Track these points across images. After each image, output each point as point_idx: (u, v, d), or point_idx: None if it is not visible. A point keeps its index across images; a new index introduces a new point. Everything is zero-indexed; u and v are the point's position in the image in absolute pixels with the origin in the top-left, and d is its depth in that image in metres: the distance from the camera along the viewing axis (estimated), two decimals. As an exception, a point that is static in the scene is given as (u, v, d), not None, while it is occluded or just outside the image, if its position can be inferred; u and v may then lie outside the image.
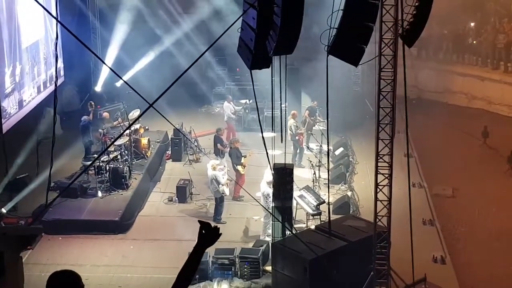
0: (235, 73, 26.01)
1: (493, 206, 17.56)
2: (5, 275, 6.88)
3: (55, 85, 10.44)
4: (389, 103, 12.03)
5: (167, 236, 15.91)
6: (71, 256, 14.91)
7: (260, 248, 14.29)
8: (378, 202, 12.41)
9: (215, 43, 8.66)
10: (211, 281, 13.72)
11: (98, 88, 24.34)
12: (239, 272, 13.97)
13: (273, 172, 13.54)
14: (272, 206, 13.89)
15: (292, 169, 13.97)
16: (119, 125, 20.40)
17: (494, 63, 26.02)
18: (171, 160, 20.84)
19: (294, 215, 15.24)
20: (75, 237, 15.79)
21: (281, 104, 13.26)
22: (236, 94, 25.24)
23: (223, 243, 13.74)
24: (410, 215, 12.46)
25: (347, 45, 10.16)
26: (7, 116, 17.90)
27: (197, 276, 13.28)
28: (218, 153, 18.76)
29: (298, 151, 19.95)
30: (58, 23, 9.67)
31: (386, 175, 12.30)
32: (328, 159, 14.61)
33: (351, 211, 16.41)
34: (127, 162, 18.32)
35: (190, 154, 20.65)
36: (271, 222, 14.27)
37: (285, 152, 13.76)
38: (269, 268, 13.71)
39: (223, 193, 16.54)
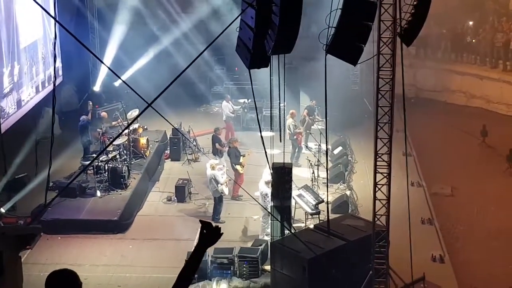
0: (234, 73, 25.98)
1: (492, 205, 17.55)
2: (4, 274, 6.89)
3: (54, 85, 10.38)
4: (387, 102, 12.03)
5: (166, 236, 15.91)
6: (70, 255, 14.90)
7: (259, 247, 14.28)
8: (377, 201, 12.39)
9: (214, 43, 8.64)
10: (210, 280, 13.71)
11: (96, 87, 24.34)
12: (238, 272, 13.95)
13: (271, 171, 13.53)
14: (271, 206, 13.89)
15: (291, 169, 13.95)
16: (118, 125, 20.40)
17: (492, 62, 26.03)
18: (170, 159, 20.83)
19: (293, 215, 15.24)
20: (74, 236, 15.78)
21: (279, 103, 13.29)
22: (235, 93, 25.23)
23: (222, 242, 13.58)
24: (409, 214, 12.46)
25: (346, 44, 10.15)
26: (5, 116, 17.88)
27: (196, 276, 13.26)
28: (216, 152, 18.73)
29: (296, 150, 19.95)
30: (57, 23, 9.65)
31: (385, 174, 12.30)
32: (326, 158, 14.61)
33: (350, 210, 16.43)
34: (126, 162, 18.30)
35: (189, 154, 20.64)
36: (269, 222, 14.27)
37: (283, 152, 13.77)
38: (268, 267, 13.70)
39: (222, 193, 16.52)
